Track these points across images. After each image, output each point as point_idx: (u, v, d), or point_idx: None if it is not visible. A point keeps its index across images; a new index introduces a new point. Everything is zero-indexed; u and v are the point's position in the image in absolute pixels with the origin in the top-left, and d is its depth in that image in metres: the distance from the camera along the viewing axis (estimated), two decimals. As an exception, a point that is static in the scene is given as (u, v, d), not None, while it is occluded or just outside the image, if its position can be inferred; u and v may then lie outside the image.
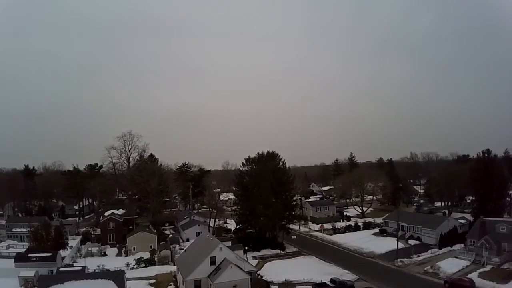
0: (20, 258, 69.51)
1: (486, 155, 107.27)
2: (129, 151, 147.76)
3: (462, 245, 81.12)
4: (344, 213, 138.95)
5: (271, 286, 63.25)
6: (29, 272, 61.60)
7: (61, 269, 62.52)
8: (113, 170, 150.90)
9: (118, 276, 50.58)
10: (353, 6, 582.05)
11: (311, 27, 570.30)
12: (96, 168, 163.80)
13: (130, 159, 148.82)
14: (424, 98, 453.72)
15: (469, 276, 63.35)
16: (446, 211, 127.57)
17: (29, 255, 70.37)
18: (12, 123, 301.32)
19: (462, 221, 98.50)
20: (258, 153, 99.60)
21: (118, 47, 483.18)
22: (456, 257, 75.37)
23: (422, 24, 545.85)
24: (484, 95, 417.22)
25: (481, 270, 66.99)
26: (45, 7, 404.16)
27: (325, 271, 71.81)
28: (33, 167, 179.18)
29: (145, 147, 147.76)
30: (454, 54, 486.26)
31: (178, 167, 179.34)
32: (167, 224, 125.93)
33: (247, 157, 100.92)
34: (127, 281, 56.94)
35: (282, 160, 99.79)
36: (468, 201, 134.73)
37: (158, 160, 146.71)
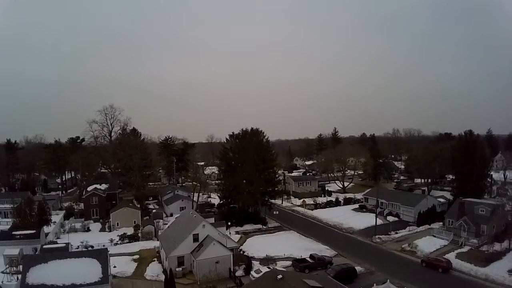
0: (4, 236, 69.09)
1: (468, 135, 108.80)
2: (111, 125, 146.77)
3: (441, 223, 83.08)
4: (326, 188, 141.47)
5: (253, 261, 64.58)
6: (14, 251, 61.07)
7: (45, 246, 62.43)
8: (95, 144, 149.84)
9: (101, 254, 51.17)
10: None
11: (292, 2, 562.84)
12: (78, 141, 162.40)
13: (112, 133, 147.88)
14: (408, 73, 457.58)
15: (446, 256, 64.29)
16: (426, 188, 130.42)
17: (13, 233, 70.13)
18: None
19: (441, 200, 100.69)
20: (242, 129, 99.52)
21: (98, 16, 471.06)
22: (434, 236, 76.93)
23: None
24: (467, 71, 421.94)
25: (459, 250, 68.13)
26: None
27: (305, 246, 73.61)
28: (15, 141, 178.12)
29: (127, 121, 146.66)
30: (437, 28, 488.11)
31: (161, 140, 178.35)
32: (151, 199, 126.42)
33: (231, 133, 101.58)
34: (111, 257, 57.73)
35: (266, 137, 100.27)
36: (448, 179, 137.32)
37: (141, 134, 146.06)
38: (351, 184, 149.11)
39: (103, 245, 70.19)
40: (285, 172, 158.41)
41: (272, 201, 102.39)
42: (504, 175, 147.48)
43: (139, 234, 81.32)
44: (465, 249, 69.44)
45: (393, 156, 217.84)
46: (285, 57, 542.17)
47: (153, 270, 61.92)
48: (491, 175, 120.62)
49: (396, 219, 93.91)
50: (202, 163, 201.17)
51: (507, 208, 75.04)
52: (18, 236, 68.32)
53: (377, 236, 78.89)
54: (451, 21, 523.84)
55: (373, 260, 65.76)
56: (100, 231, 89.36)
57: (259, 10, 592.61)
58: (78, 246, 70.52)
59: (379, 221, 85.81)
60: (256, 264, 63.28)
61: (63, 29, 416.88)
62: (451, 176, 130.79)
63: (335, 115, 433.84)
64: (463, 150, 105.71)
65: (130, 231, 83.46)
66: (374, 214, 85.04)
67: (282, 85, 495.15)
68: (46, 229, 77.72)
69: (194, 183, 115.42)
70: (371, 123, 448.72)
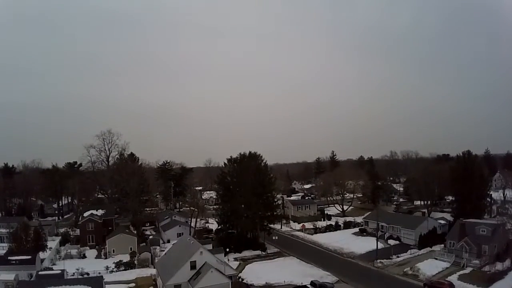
0: (0, 261, 68.27)
1: (466, 156, 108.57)
2: (109, 150, 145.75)
3: (442, 245, 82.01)
4: (325, 212, 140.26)
5: (252, 289, 63.36)
6: (9, 276, 60.62)
7: (40, 272, 61.74)
8: (92, 169, 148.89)
9: (97, 282, 50.19)
10: (335, 5, 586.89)
11: (292, 24, 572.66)
12: (75, 166, 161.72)
13: (110, 158, 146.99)
14: (405, 96, 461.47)
15: (449, 278, 63.61)
16: (426, 210, 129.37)
17: (9, 258, 69.42)
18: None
19: (442, 221, 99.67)
20: (240, 154, 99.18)
21: (97, 43, 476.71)
22: (436, 259, 76.02)
23: (398, 23, 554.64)
24: (462, 92, 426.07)
25: (461, 272, 67.39)
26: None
27: (306, 272, 72.30)
28: (13, 165, 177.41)
29: (125, 146, 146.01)
30: (431, 50, 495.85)
31: (159, 165, 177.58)
32: (148, 224, 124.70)
33: (229, 157, 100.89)
34: (106, 285, 56.57)
35: (264, 161, 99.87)
36: (448, 200, 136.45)
37: (138, 159, 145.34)
38: (351, 207, 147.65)
39: (99, 273, 68.87)
40: (283, 196, 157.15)
41: (271, 226, 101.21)
42: (503, 194, 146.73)
43: (135, 261, 79.63)
44: (467, 270, 68.72)
45: (391, 178, 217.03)
46: (282, 82, 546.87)
47: (150, 299, 60.49)
48: (491, 194, 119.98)
49: (397, 242, 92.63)
50: (200, 188, 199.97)
51: (508, 227, 74.33)
52: (14, 261, 67.73)
53: (378, 261, 77.60)
54: (446, 37, 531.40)
55: (376, 286, 64.68)
56: (96, 258, 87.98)
57: (253, 31, 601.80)
58: (74, 273, 69.31)
59: (380, 245, 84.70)
60: (255, 292, 62.06)
61: (61, 51, 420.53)
62: (450, 197, 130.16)
63: (333, 139, 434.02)
64: (461, 171, 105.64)
65: (126, 258, 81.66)
66: (375, 238, 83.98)
67: (280, 110, 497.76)
68: (41, 255, 76.92)
69: (191, 208, 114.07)
70: (369, 146, 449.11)
